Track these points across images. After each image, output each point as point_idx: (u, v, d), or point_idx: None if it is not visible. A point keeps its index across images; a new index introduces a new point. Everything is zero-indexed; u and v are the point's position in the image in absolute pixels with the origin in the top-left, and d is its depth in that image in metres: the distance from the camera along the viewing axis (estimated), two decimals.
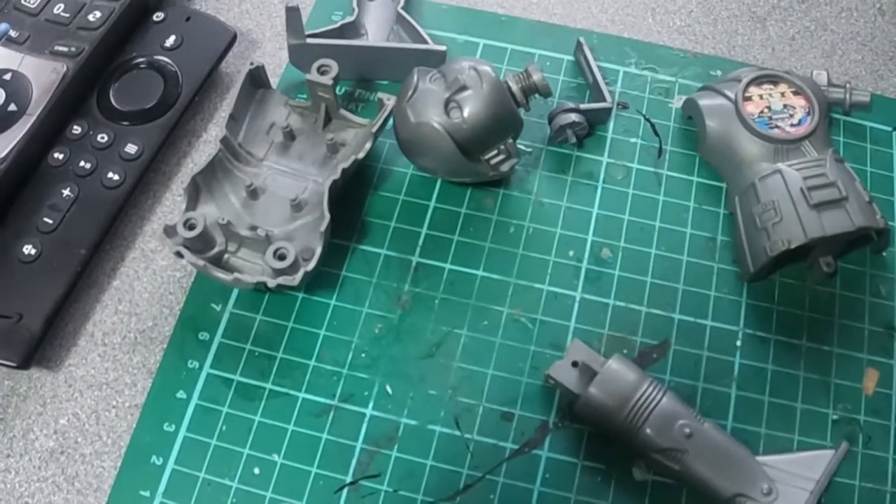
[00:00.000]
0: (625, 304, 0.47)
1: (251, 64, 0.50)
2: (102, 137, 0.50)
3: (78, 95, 0.51)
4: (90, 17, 0.53)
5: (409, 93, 0.46)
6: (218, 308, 0.47)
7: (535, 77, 0.47)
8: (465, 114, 0.45)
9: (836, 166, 0.48)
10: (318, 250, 0.45)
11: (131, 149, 0.50)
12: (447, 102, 0.45)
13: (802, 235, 0.45)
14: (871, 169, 0.52)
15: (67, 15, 0.53)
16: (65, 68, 0.51)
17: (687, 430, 0.41)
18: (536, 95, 0.47)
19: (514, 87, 0.47)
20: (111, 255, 0.49)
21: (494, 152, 0.47)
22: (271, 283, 0.44)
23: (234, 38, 0.54)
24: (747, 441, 0.43)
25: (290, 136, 0.50)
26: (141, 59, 0.53)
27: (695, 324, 0.47)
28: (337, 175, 0.47)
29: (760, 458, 0.42)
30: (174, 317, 0.47)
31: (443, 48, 0.51)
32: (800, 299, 0.48)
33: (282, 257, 0.44)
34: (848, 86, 0.53)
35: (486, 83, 0.45)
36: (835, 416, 0.45)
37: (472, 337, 0.46)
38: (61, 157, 0.50)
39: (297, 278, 0.44)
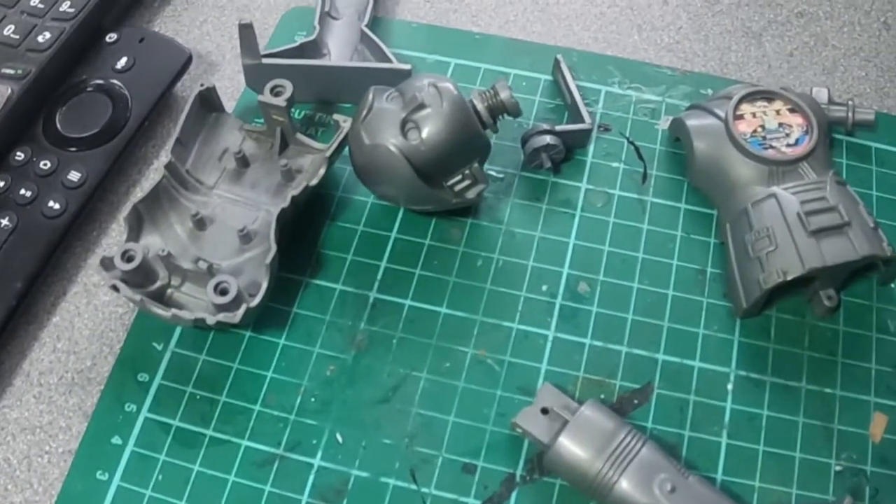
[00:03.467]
0: (603, 343, 0.43)
1: (201, 85, 0.47)
2: (45, 164, 0.47)
3: (23, 120, 0.49)
4: (40, 39, 0.50)
5: (364, 113, 0.43)
6: (159, 347, 0.44)
7: (503, 94, 0.43)
8: (424, 135, 0.42)
9: (837, 189, 0.44)
10: (264, 285, 0.42)
11: (74, 176, 0.47)
12: (404, 122, 0.42)
13: (800, 266, 0.41)
14: (876, 193, 0.48)
15: (17, 36, 0.51)
16: (9, 91, 0.48)
17: (669, 485, 0.37)
18: (505, 115, 0.44)
19: (480, 106, 0.43)
20: (52, 289, 0.46)
21: (458, 178, 0.44)
22: (211, 320, 0.41)
23: (190, 59, 0.51)
24: (739, 496, 0.39)
25: (243, 162, 0.47)
26: (91, 82, 0.50)
27: (681, 365, 0.43)
28: (286, 203, 0.43)
29: None
30: (114, 356, 0.44)
31: (407, 67, 0.48)
32: (799, 337, 0.44)
33: (223, 292, 0.41)
34: (850, 103, 0.49)
35: (446, 101, 0.42)
36: (838, 467, 0.40)
37: (432, 380, 0.42)
38: (1, 184, 0.47)
39: (238, 315, 0.40)
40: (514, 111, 0.43)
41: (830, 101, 0.49)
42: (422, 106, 0.42)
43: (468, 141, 0.43)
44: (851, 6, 0.56)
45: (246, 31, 0.47)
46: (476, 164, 0.43)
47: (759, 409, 0.42)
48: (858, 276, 0.45)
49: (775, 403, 0.42)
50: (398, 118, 0.42)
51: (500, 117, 0.44)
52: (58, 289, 0.46)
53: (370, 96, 0.43)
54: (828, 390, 0.42)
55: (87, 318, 0.45)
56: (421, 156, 0.42)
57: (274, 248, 0.42)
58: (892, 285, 0.45)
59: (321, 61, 0.50)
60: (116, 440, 0.41)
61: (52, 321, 0.45)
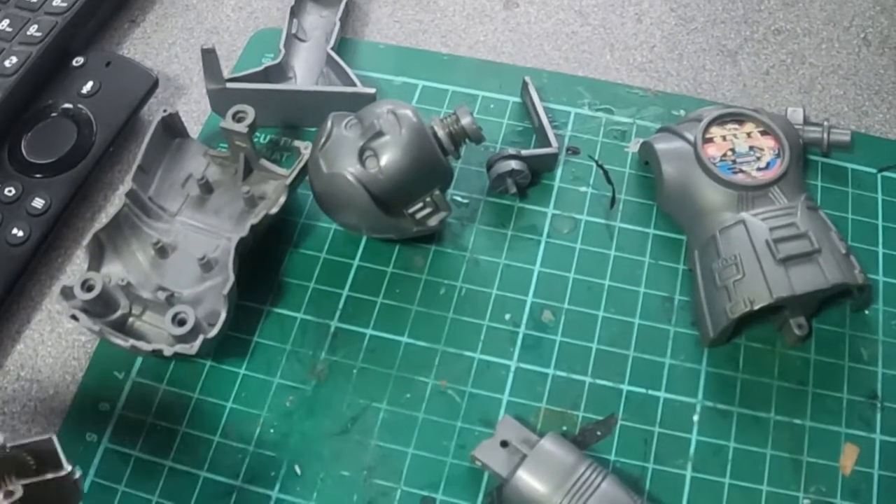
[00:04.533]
0: (566, 374, 0.43)
1: (164, 111, 0.46)
2: (10, 191, 0.47)
3: None
4: (6, 63, 0.50)
5: (323, 140, 0.42)
6: (120, 376, 0.43)
7: (465, 121, 0.43)
8: (382, 163, 0.41)
9: (808, 214, 0.43)
10: (222, 315, 0.41)
11: (38, 203, 0.46)
12: (362, 150, 0.41)
13: (768, 295, 0.41)
14: (852, 216, 0.47)
15: None
16: None
17: None
18: (467, 141, 0.43)
19: (441, 133, 0.43)
20: (17, 317, 0.46)
21: (419, 205, 0.43)
22: (168, 351, 0.40)
23: (156, 83, 0.50)
24: None
25: (206, 188, 0.46)
26: (57, 107, 0.49)
27: (646, 395, 0.42)
28: (245, 232, 0.43)
29: None
30: (76, 384, 0.43)
31: (371, 90, 0.47)
32: (768, 366, 0.43)
33: (181, 322, 0.40)
34: (826, 123, 0.48)
35: (405, 128, 0.41)
36: (806, 501, 0.39)
37: (392, 411, 0.42)
38: None
39: (195, 346, 0.40)
40: (476, 137, 0.43)
41: (806, 122, 0.48)
42: (380, 133, 0.41)
43: (428, 168, 0.42)
44: (830, 22, 0.55)
45: (209, 56, 0.46)
46: (437, 192, 0.43)
47: (726, 440, 0.41)
48: (831, 302, 0.44)
49: (742, 435, 0.41)
50: (356, 146, 0.41)
51: (463, 143, 0.43)
52: (22, 316, 0.46)
53: (329, 123, 0.42)
54: (797, 421, 0.41)
55: (51, 345, 0.45)
56: (379, 184, 0.41)
57: (232, 278, 0.42)
58: (866, 312, 0.44)
59: (285, 85, 0.49)
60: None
61: (17, 349, 0.45)
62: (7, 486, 0.29)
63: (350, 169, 0.41)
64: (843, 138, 0.48)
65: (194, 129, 0.49)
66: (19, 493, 0.29)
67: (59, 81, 0.51)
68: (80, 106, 0.49)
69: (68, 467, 0.30)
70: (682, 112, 0.50)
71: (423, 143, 0.41)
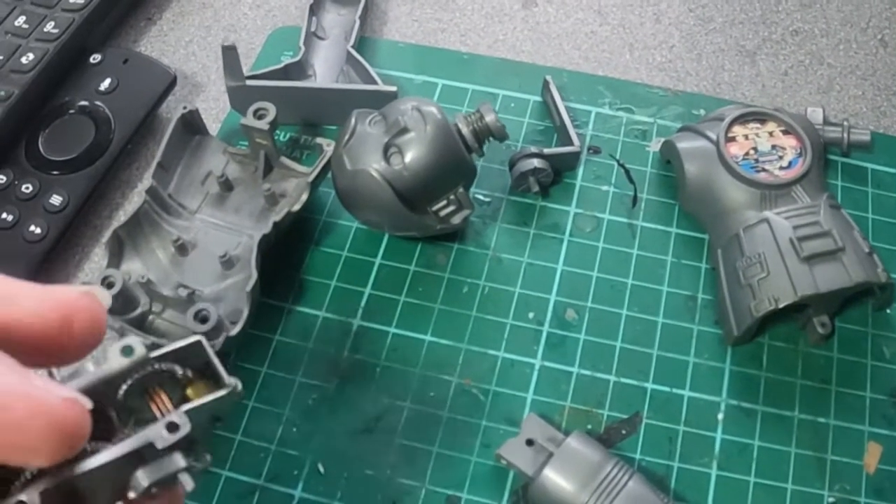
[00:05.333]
0: (591, 372, 0.42)
1: (184, 108, 0.46)
2: (27, 188, 0.47)
3: (5, 143, 0.48)
4: (23, 60, 0.50)
5: (346, 137, 0.42)
6: None
7: (489, 118, 0.42)
8: (407, 160, 0.41)
9: (831, 213, 0.43)
10: (245, 312, 0.41)
11: (56, 200, 0.46)
12: (387, 147, 0.41)
13: (792, 293, 0.41)
14: (872, 216, 0.47)
15: (1, 57, 0.50)
16: None
17: None
18: (491, 139, 0.43)
19: (465, 130, 0.42)
20: None
21: (443, 203, 0.43)
22: None
23: (174, 81, 0.50)
24: None
25: (226, 186, 0.46)
26: (74, 104, 0.49)
27: (670, 394, 0.42)
28: (268, 229, 0.42)
29: None
30: None
31: (392, 89, 0.47)
32: (791, 365, 0.43)
33: (203, 319, 0.40)
34: (846, 123, 0.48)
35: (430, 125, 0.41)
36: (831, 499, 0.39)
37: (416, 410, 0.41)
38: None
39: (217, 344, 0.40)
40: (500, 135, 0.43)
41: (826, 122, 0.48)
42: (405, 130, 0.41)
43: (452, 166, 0.42)
44: (848, 23, 0.55)
45: (229, 54, 0.46)
46: (461, 189, 0.43)
47: (751, 439, 0.41)
48: (853, 301, 0.44)
49: (767, 433, 0.41)
50: (381, 143, 0.41)
51: (487, 141, 0.43)
52: None
53: (353, 120, 0.42)
54: (821, 420, 0.41)
55: None
56: (404, 181, 0.41)
57: (255, 275, 0.41)
58: (888, 311, 0.44)
59: (306, 83, 0.49)
60: None
61: None
62: (160, 406, 0.23)
63: (374, 165, 0.41)
64: (863, 138, 0.48)
65: (213, 126, 0.49)
66: (186, 427, 0.22)
67: (76, 78, 0.50)
68: (97, 103, 0.49)
69: (231, 381, 0.24)
70: (702, 112, 0.50)
71: (448, 140, 0.41)
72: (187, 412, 0.23)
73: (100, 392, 0.23)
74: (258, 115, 0.44)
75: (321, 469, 0.40)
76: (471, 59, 0.53)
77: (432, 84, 0.51)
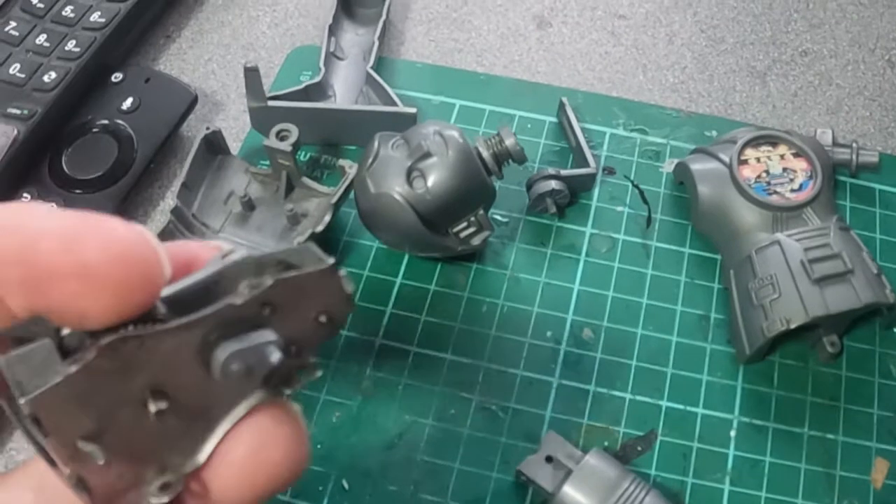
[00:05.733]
0: (607, 390, 0.43)
1: (207, 128, 0.47)
2: (51, 206, 0.47)
3: (29, 161, 0.49)
4: (45, 78, 0.50)
5: (370, 160, 0.43)
6: None
7: (508, 142, 0.43)
8: (429, 183, 0.42)
9: (840, 235, 0.44)
10: None
11: None
12: (410, 171, 0.42)
13: (803, 314, 0.42)
14: (880, 236, 0.48)
15: (23, 76, 0.51)
16: (15, 132, 0.48)
17: None
18: (510, 161, 0.44)
19: (485, 154, 0.43)
20: None
21: (464, 224, 0.44)
22: None
23: (195, 100, 0.51)
24: None
25: (249, 205, 0.47)
26: (96, 122, 0.50)
27: (684, 412, 0.43)
28: None
29: None
30: None
31: (412, 110, 0.48)
32: (801, 383, 0.44)
33: None
34: (854, 145, 0.49)
35: (452, 149, 0.42)
36: None
37: (437, 427, 0.42)
38: None
39: None
40: (520, 158, 0.44)
41: (835, 143, 0.49)
42: (427, 154, 0.42)
43: (474, 189, 0.43)
44: (856, 44, 0.56)
45: (252, 75, 0.47)
46: (481, 211, 0.44)
47: (762, 455, 0.42)
48: (862, 320, 0.45)
49: (778, 450, 0.42)
50: (404, 166, 0.42)
51: (505, 163, 0.44)
52: None
53: (376, 143, 0.43)
54: (830, 436, 0.42)
55: None
56: (426, 204, 0.42)
57: None
58: (895, 330, 0.45)
59: (326, 104, 0.50)
60: None
61: None
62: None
63: (398, 189, 0.42)
64: (871, 159, 0.49)
65: (233, 145, 0.50)
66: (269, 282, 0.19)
67: (98, 97, 0.51)
68: (119, 122, 0.50)
69: (329, 259, 0.20)
70: (714, 133, 0.51)
71: (469, 164, 0.42)
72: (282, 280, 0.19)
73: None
74: (280, 136, 0.45)
75: (345, 485, 0.41)
76: (488, 79, 0.54)
77: (450, 105, 0.52)
